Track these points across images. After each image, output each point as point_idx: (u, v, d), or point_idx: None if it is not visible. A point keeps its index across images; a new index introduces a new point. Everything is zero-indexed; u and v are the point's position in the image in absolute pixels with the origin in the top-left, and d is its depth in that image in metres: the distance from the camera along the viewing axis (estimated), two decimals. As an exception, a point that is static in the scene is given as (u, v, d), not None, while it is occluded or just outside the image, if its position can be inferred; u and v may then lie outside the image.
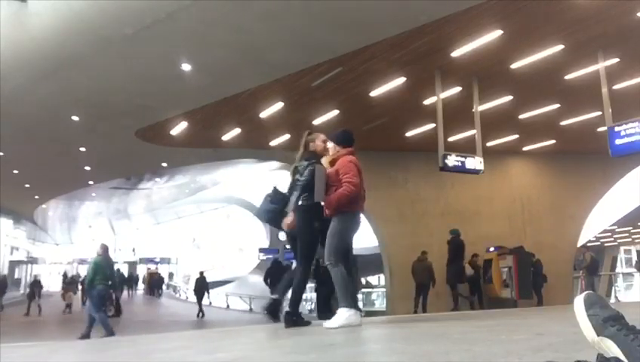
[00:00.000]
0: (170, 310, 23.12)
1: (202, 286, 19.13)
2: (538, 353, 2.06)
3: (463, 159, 11.01)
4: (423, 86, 11.02)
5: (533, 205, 15.99)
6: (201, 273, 19.71)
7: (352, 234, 4.38)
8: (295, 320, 4.38)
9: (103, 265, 9.10)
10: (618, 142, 9.57)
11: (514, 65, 10.20)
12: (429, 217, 15.26)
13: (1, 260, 34.09)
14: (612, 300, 11.35)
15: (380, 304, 19.90)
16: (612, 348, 1.32)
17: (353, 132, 4.66)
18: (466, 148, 11.63)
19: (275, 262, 14.82)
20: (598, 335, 1.35)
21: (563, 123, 13.49)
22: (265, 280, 13.23)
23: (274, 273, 12.88)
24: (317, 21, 8.71)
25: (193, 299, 28.09)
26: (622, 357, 1.30)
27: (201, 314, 18.03)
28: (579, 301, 1.44)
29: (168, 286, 31.83)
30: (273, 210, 4.50)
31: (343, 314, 4.00)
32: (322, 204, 4.31)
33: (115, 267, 11.36)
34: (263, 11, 8.31)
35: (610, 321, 1.35)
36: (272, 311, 4.57)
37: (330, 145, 4.58)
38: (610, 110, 9.91)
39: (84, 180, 21.35)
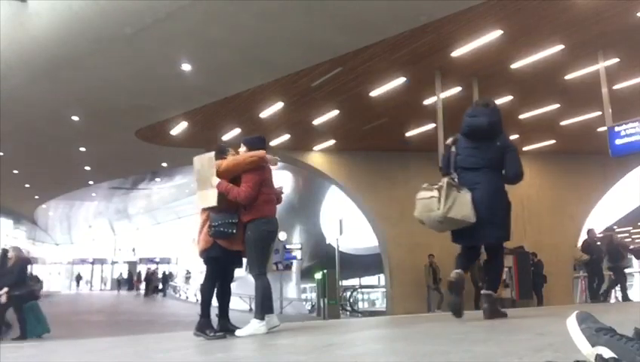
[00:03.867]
0: (171, 310, 23.11)
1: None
2: (538, 353, 2.06)
3: (463, 159, 11.00)
4: (423, 86, 11.02)
5: (533, 205, 15.97)
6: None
7: (264, 242, 4.30)
8: None
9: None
10: (618, 142, 9.57)
11: (514, 65, 10.20)
12: (429, 217, 15.24)
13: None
14: (612, 300, 11.31)
15: (380, 304, 19.93)
16: (608, 354, 1.34)
17: (265, 139, 4.65)
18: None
19: None
20: (592, 346, 1.38)
21: (563, 123, 13.49)
22: None
23: None
24: (317, 21, 8.71)
25: (193, 299, 28.09)
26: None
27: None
28: (571, 319, 1.49)
29: (164, 286, 31.83)
30: None
31: (254, 325, 4.12)
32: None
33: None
34: (263, 11, 8.31)
35: (602, 331, 1.39)
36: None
37: (241, 148, 4.53)
38: (610, 110, 9.92)
39: (84, 180, 21.37)
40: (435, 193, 3.95)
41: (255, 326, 4.13)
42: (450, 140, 4.23)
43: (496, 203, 3.92)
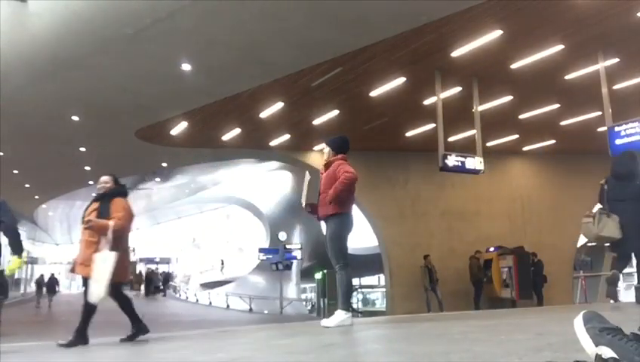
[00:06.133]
0: (171, 309, 23.11)
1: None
2: (538, 353, 2.06)
3: (463, 159, 11.00)
4: (423, 86, 11.02)
5: (533, 205, 15.98)
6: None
7: (348, 235, 4.59)
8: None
9: None
10: (618, 142, 9.57)
11: (514, 65, 10.20)
12: (429, 217, 15.26)
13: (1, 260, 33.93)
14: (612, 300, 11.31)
15: (380, 304, 19.91)
16: (608, 354, 1.36)
17: (349, 140, 4.86)
18: (466, 148, 11.63)
19: None
20: (596, 346, 1.40)
21: (563, 123, 13.48)
22: None
23: None
24: (317, 21, 8.71)
25: (193, 299, 28.12)
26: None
27: None
28: (578, 318, 1.51)
29: (164, 286, 31.84)
30: None
31: (340, 316, 4.31)
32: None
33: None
34: (263, 11, 8.31)
35: (606, 331, 1.40)
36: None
37: (325, 149, 4.77)
38: (610, 110, 9.91)
39: (84, 180, 21.33)
40: (591, 219, 5.32)
41: (341, 316, 4.30)
42: (602, 181, 5.60)
43: (638, 224, 5.23)
